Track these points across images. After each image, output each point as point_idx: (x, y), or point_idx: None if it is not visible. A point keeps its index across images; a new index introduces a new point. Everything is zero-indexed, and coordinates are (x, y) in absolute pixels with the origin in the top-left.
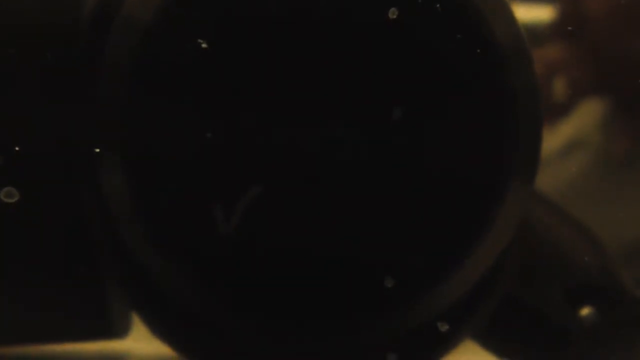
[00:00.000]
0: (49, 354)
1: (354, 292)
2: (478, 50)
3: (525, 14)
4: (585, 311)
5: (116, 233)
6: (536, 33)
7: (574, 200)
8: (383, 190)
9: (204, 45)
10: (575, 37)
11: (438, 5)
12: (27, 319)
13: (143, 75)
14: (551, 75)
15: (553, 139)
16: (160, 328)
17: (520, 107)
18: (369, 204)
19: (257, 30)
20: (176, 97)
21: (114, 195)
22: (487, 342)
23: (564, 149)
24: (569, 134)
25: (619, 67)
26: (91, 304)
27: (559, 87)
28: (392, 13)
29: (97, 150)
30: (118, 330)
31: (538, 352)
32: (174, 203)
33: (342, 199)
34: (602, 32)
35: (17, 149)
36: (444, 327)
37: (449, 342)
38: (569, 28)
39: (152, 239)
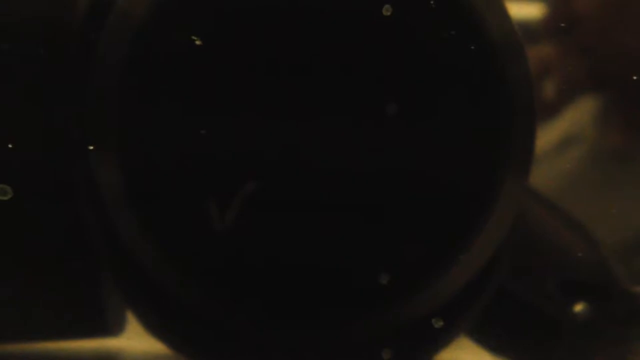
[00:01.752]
0: (43, 352)
1: (349, 288)
2: (472, 47)
3: (518, 10)
4: (579, 307)
5: (111, 231)
6: (529, 29)
7: (568, 196)
8: (378, 187)
9: (198, 42)
10: (567, 34)
11: (432, 2)
12: (22, 317)
13: (137, 71)
14: (545, 74)
15: (547, 135)
16: (155, 326)
17: (514, 102)
18: (364, 200)
19: (252, 26)
20: (170, 94)
21: (109, 192)
22: (481, 338)
23: (558, 145)
24: (563, 130)
25: (612, 63)
26: (86, 302)
27: (553, 84)
28: (387, 10)
29: (91, 147)
30: (113, 328)
31: (531, 347)
32: (170, 200)
33: (337, 196)
34: (593, 28)
35: (10, 146)
36: (438, 324)
37: (444, 338)
38: (562, 25)
39: (147, 237)
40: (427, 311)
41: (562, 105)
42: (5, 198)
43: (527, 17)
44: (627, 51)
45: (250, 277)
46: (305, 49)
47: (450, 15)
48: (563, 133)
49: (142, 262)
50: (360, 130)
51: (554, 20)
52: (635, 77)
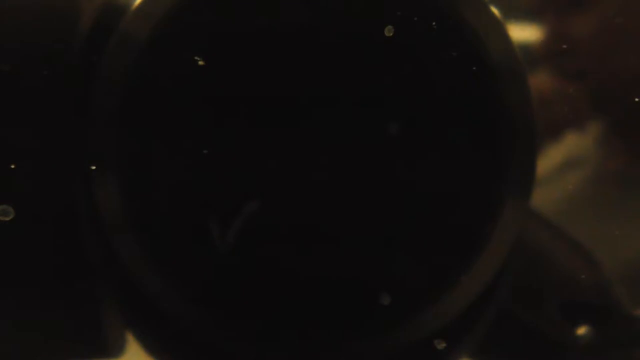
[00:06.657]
0: None
1: (351, 309)
2: (473, 68)
3: (519, 33)
4: (582, 330)
5: (112, 252)
6: (530, 52)
7: (571, 218)
8: (379, 209)
9: (200, 62)
10: (566, 57)
11: (434, 24)
12: (22, 339)
13: (139, 91)
14: (547, 100)
15: (549, 158)
16: (155, 347)
17: (515, 124)
18: (366, 222)
19: (255, 47)
20: (172, 114)
21: (110, 213)
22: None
23: (561, 167)
24: (566, 153)
25: (613, 85)
26: (86, 323)
27: (554, 107)
28: (389, 31)
29: (93, 167)
30: (113, 349)
31: None
32: (170, 221)
33: (339, 217)
34: (591, 52)
35: (12, 166)
36: (441, 345)
37: None
38: (564, 46)
39: (147, 258)
40: (429, 332)
41: (564, 127)
42: (7, 219)
43: (529, 40)
44: (627, 74)
45: (250, 297)
46: (308, 69)
47: (452, 36)
48: (565, 155)
49: (142, 284)
50: (362, 151)
51: (550, 44)
52: (637, 99)
